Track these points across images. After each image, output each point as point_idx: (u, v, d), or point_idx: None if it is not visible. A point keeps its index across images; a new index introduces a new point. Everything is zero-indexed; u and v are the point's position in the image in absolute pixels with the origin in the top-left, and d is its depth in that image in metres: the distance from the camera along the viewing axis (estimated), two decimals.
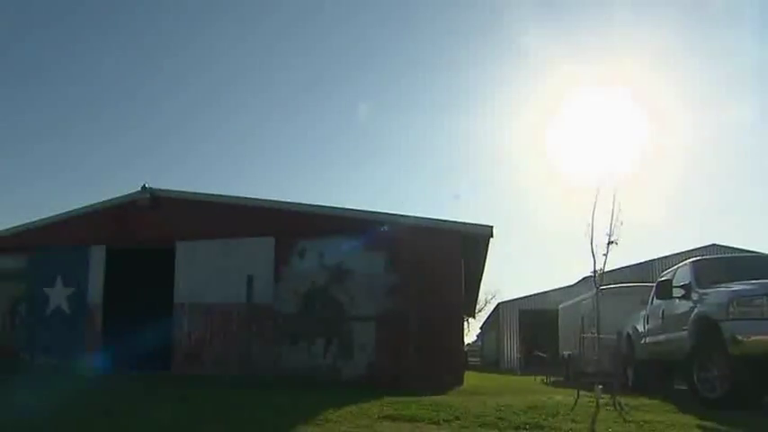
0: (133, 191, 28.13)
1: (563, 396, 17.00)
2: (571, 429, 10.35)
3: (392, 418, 11.37)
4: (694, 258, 18.58)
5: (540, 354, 42.64)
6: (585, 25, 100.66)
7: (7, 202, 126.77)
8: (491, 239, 24.43)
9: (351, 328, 24.03)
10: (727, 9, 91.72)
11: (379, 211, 24.77)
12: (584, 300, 32.09)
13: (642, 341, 20.60)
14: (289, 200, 26.83)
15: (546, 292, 61.62)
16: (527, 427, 10.55)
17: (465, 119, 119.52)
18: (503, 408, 13.11)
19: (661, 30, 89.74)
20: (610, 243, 14.01)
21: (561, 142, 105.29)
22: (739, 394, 13.52)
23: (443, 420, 11.14)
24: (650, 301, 20.22)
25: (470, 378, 25.97)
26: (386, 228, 23.92)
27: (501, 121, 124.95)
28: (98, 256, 28.16)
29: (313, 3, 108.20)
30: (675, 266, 19.21)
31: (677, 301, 17.07)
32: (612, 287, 26.62)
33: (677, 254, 47.70)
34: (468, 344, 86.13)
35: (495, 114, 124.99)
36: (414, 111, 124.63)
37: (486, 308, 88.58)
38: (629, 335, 22.37)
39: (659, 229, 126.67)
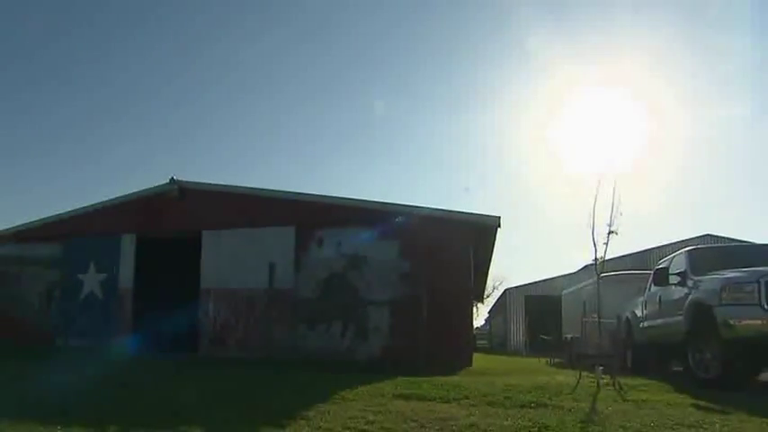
0: (162, 183, 28.23)
1: (566, 377, 17.06)
2: (574, 408, 10.42)
3: (405, 397, 11.45)
4: (689, 247, 18.61)
5: (545, 337, 42.52)
6: (588, 27, 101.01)
7: (44, 193, 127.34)
8: (498, 229, 24.48)
9: (366, 313, 24.10)
10: (722, 13, 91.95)
11: (393, 202, 24.82)
12: (585, 286, 32.07)
13: (640, 325, 20.64)
14: (309, 191, 26.94)
15: (550, 278, 61.55)
16: (532, 405, 10.63)
17: (474, 116, 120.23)
18: (509, 387, 13.19)
19: (659, 32, 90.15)
20: (610, 233, 14.09)
21: (565, 138, 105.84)
22: (731, 375, 13.59)
23: (453, 399, 11.22)
24: (648, 287, 20.24)
25: (479, 359, 26.00)
26: (400, 218, 23.99)
27: (508, 117, 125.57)
28: (129, 244, 28.29)
29: (332, 7, 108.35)
30: (672, 255, 19.24)
31: (673, 287, 17.13)
32: (612, 274, 26.62)
33: (673, 243, 47.62)
34: (477, 327, 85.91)
35: (503, 111, 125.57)
36: (426, 108, 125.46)
37: (493, 294, 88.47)
38: (628, 319, 22.40)
39: (657, 220, 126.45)
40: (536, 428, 8.16)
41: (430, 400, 11.13)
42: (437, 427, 8.35)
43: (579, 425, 8.52)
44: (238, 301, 25.65)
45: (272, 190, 26.47)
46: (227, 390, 11.97)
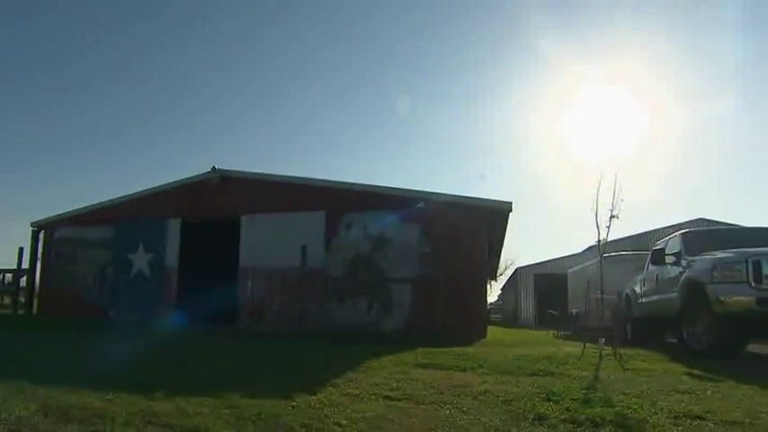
0: (204, 171, 28.39)
1: (571, 348, 17.09)
2: (578, 376, 10.47)
3: (425, 366, 11.51)
4: (684, 230, 18.61)
5: (552, 312, 42.49)
6: (591, 30, 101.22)
7: (100, 179, 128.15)
8: (510, 213, 24.51)
9: (390, 290, 24.19)
10: (713, 17, 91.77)
11: (414, 189, 24.84)
12: (589, 265, 32.03)
13: (639, 301, 20.64)
14: (338, 179, 27.04)
15: (557, 258, 61.37)
16: (541, 373, 10.69)
17: (489, 110, 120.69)
18: (520, 357, 13.25)
19: (657, 34, 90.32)
20: (612, 217, 14.11)
21: (571, 130, 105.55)
22: (721, 346, 13.63)
23: (469, 368, 11.28)
24: (646, 266, 20.24)
25: (492, 332, 26.01)
26: (421, 204, 24.07)
27: (519, 112, 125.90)
28: (174, 226, 28.47)
29: (359, 13, 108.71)
30: (668, 237, 19.24)
31: (669, 266, 17.16)
32: (614, 255, 26.65)
33: (669, 226, 47.35)
34: (491, 303, 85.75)
35: (515, 106, 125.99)
36: (445, 103, 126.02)
37: (506, 272, 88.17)
38: (627, 295, 22.40)
39: (654, 205, 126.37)
40: (544, 394, 8.21)
41: (448, 369, 11.18)
42: (454, 393, 8.42)
43: (583, 391, 8.56)
44: (274, 279, 25.77)
45: (305, 178, 26.57)
46: (264, 360, 12.04)
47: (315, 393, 8.15)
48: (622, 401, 7.81)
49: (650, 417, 6.97)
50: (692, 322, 14.62)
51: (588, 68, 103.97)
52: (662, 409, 7.41)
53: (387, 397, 8.13)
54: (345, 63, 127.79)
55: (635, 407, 7.46)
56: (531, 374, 10.56)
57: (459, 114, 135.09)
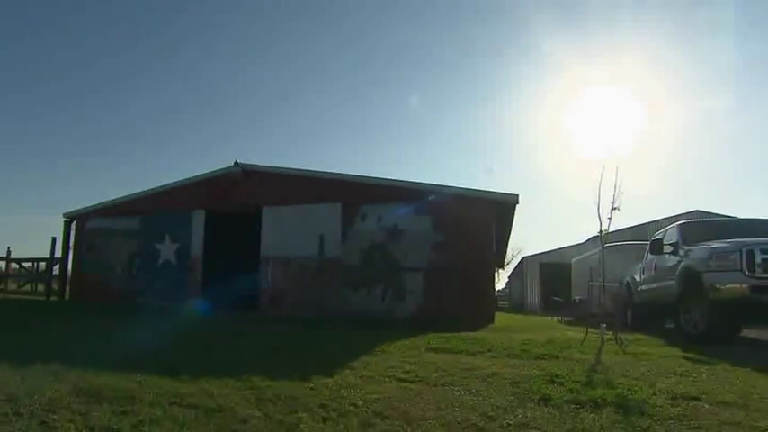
0: (227, 166, 28.47)
1: (574, 332, 17.15)
2: (581, 359, 10.50)
3: (436, 350, 11.54)
4: (681, 221, 18.60)
5: (557, 298, 42.43)
6: (594, 32, 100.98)
7: (128, 173, 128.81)
8: (517, 205, 24.52)
9: (403, 277, 24.21)
10: (710, 18, 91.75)
11: (426, 182, 24.89)
12: (592, 254, 32.06)
13: (639, 288, 20.67)
14: (353, 173, 27.06)
15: (562, 248, 61.34)
16: (545, 357, 10.72)
17: (497, 107, 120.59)
18: (526, 342, 13.27)
19: (655, 35, 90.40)
20: (613, 209, 14.11)
21: (574, 127, 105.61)
22: (716, 331, 13.67)
23: (478, 352, 11.32)
24: (645, 256, 20.26)
25: (500, 318, 26.00)
26: (432, 197, 24.10)
27: (526, 109, 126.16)
28: (198, 218, 28.57)
29: (374, 16, 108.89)
30: (666, 228, 19.23)
31: (667, 256, 17.18)
32: (615, 244, 26.67)
33: (667, 218, 47.19)
34: (498, 290, 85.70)
35: (522, 104, 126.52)
36: (454, 102, 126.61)
37: (512, 261, 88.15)
38: (628, 283, 22.41)
39: (653, 198, 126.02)
40: (548, 377, 8.25)
41: (457, 353, 11.23)
42: (463, 376, 8.46)
43: (586, 373, 8.60)
44: (293, 268, 25.84)
45: (322, 171, 26.63)
46: (283, 344, 12.08)
47: (332, 376, 8.21)
48: (623, 383, 7.84)
49: (649, 398, 7.00)
50: (689, 308, 14.66)
51: (590, 68, 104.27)
52: (660, 390, 7.44)
53: (400, 379, 8.18)
54: (361, 64, 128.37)
55: (635, 389, 7.50)
56: (537, 358, 10.61)
57: (468, 112, 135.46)
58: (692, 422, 6.06)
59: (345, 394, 7.10)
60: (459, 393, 7.35)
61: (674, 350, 12.12)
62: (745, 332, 16.48)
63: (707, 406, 6.69)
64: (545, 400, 6.93)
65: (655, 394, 7.22)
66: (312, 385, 7.53)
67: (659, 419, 6.15)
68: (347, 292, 24.81)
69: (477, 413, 6.36)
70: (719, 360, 10.23)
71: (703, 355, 10.87)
